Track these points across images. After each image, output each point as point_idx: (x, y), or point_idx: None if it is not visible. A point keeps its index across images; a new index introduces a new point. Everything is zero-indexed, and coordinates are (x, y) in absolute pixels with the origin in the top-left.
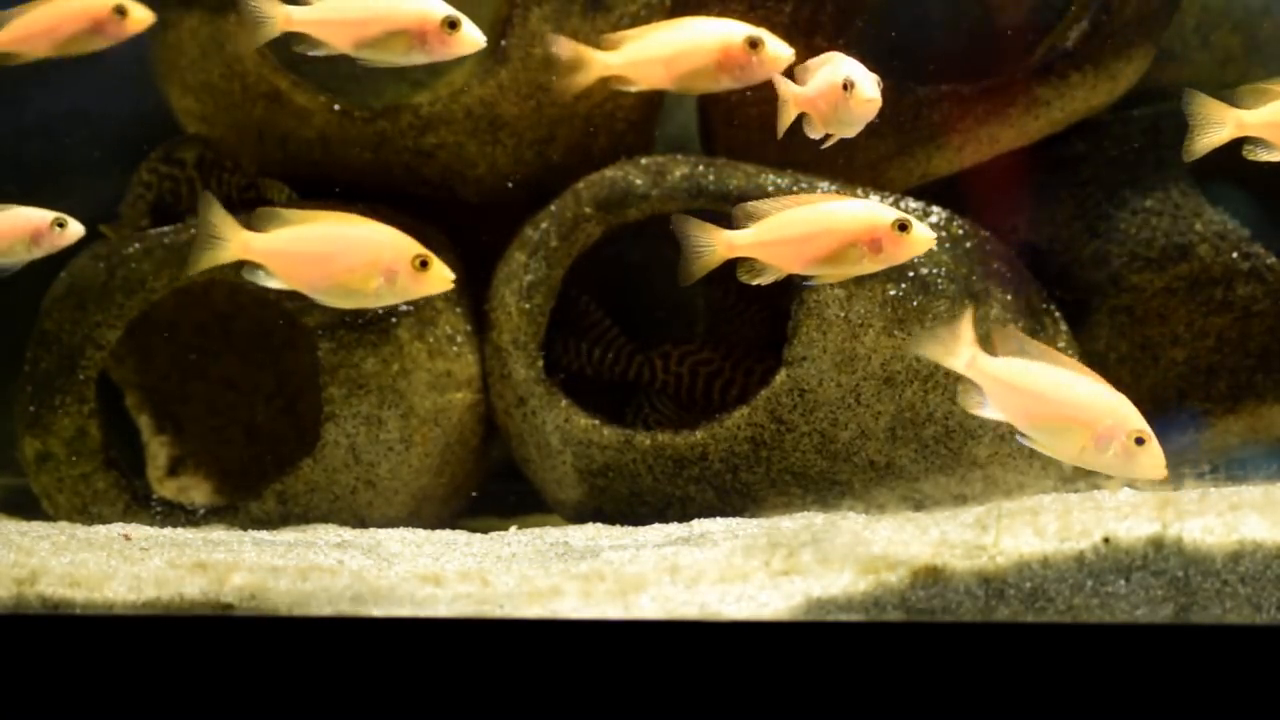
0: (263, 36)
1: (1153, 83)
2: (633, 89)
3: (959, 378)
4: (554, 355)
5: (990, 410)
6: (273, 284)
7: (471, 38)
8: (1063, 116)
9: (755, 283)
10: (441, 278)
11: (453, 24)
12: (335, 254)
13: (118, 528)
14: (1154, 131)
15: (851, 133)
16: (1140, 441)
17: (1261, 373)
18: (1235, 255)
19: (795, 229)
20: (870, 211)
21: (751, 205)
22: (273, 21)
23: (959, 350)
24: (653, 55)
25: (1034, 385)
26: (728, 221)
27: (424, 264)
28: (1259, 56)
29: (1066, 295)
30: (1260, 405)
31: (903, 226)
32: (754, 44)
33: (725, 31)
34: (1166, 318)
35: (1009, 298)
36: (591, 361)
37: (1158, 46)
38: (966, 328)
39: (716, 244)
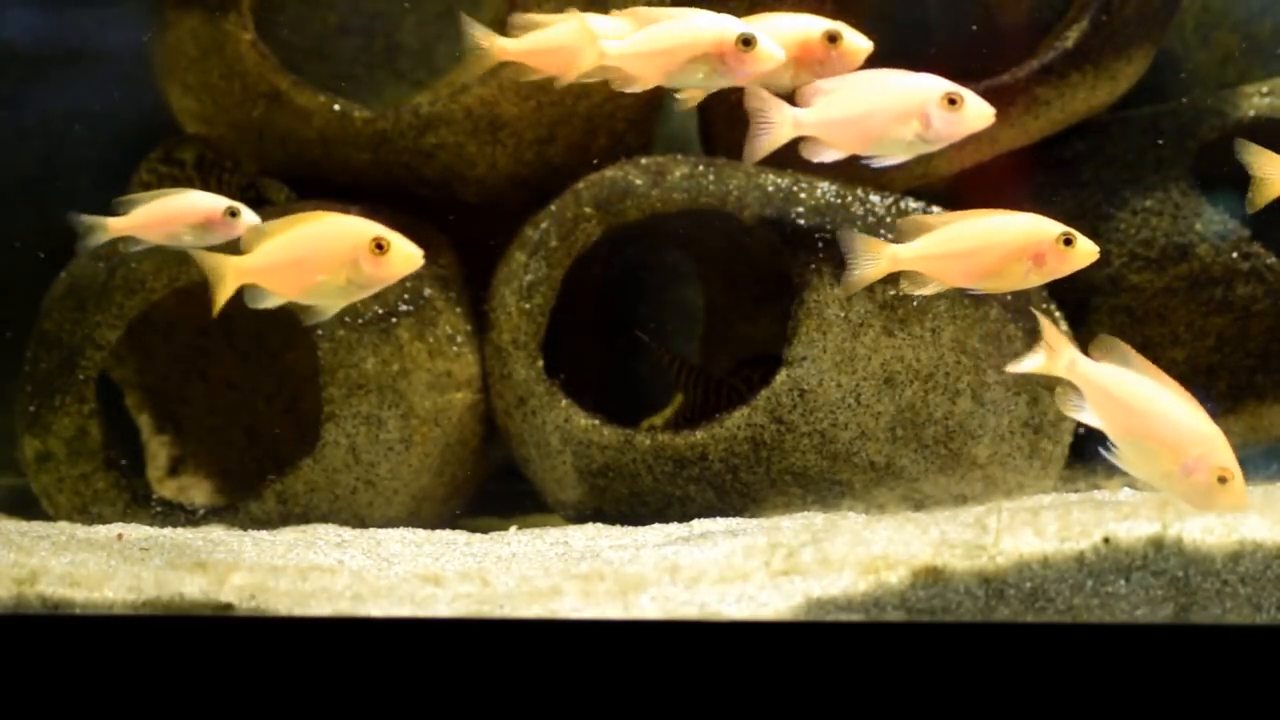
0: (578, 70)
1: (1152, 83)
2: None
3: (1058, 380)
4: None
5: (1087, 415)
6: (270, 303)
7: (769, 53)
8: (1063, 116)
9: (919, 293)
10: (405, 257)
11: (747, 41)
12: (306, 256)
13: (116, 528)
14: (1154, 131)
15: (907, 154)
16: (1224, 480)
17: (1261, 373)
18: (1235, 255)
19: (960, 243)
20: (1035, 225)
21: (915, 219)
22: (589, 55)
23: (1059, 352)
24: None
25: (1130, 397)
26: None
27: (381, 247)
28: (1259, 56)
29: (1066, 295)
30: (1260, 405)
31: (1068, 241)
32: (832, 38)
33: (802, 27)
34: (1166, 318)
35: (1009, 297)
36: (697, 408)
37: (1158, 46)
38: (1058, 333)
39: (882, 257)
